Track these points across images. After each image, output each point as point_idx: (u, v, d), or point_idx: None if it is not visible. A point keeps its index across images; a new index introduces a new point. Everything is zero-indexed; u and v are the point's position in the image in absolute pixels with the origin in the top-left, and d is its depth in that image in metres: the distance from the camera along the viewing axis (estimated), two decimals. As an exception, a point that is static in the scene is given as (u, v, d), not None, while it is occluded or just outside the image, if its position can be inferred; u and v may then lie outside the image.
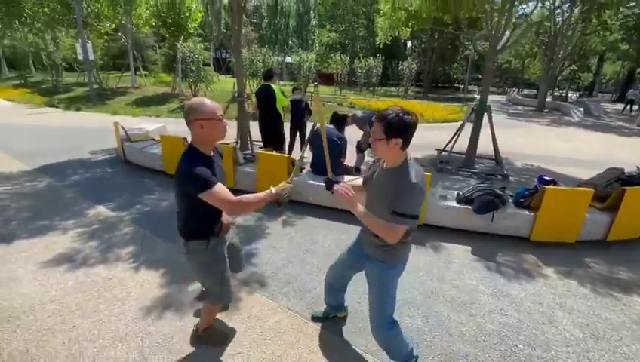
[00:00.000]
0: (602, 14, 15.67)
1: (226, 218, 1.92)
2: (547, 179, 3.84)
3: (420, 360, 2.04)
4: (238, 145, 6.06)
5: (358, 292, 2.58)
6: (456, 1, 6.29)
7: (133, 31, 18.12)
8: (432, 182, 3.84)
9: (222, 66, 30.18)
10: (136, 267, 2.95)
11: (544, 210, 3.48)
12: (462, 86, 32.62)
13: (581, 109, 17.51)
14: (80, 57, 14.34)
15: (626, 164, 4.58)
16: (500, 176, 5.89)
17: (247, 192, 1.80)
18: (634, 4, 15.26)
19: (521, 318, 2.51)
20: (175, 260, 3.04)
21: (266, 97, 5.14)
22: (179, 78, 16.64)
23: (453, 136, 6.36)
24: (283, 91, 5.34)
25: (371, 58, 22.23)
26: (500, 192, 3.66)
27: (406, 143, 1.53)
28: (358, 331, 2.30)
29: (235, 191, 1.74)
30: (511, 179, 5.87)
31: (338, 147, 4.38)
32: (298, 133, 6.17)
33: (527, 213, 3.62)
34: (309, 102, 6.57)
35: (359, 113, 5.49)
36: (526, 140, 9.95)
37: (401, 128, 1.49)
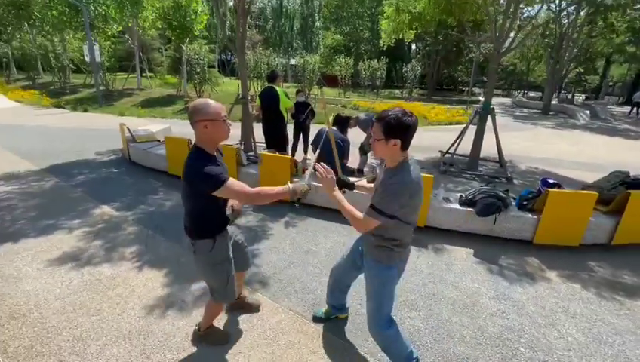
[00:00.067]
0: (609, 17, 15.59)
1: (236, 203, 1.95)
2: (551, 181, 3.83)
3: (420, 362, 2.04)
4: (242, 147, 6.11)
5: (359, 294, 2.58)
6: (459, 3, 6.30)
7: (140, 33, 18.37)
8: (434, 184, 3.84)
9: (227, 68, 30.42)
10: (140, 266, 2.98)
11: (547, 213, 3.46)
12: (466, 88, 32.51)
13: (587, 112, 17.36)
14: (87, 59, 14.57)
15: (632, 168, 4.54)
16: (503, 179, 5.86)
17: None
18: (641, 6, 15.13)
19: (523, 321, 2.50)
20: (178, 260, 3.07)
21: (269, 99, 5.18)
22: (184, 80, 16.81)
23: (457, 139, 6.34)
24: (287, 93, 5.38)
25: (375, 60, 22.27)
26: (503, 195, 3.65)
27: (405, 144, 1.53)
28: (358, 332, 2.31)
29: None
30: (515, 181, 5.85)
31: (341, 149, 4.39)
32: (301, 135, 6.21)
33: (530, 215, 3.60)
34: (313, 104, 6.60)
35: (362, 115, 5.51)
36: (531, 143, 9.89)
37: (400, 129, 1.49)
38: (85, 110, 13.07)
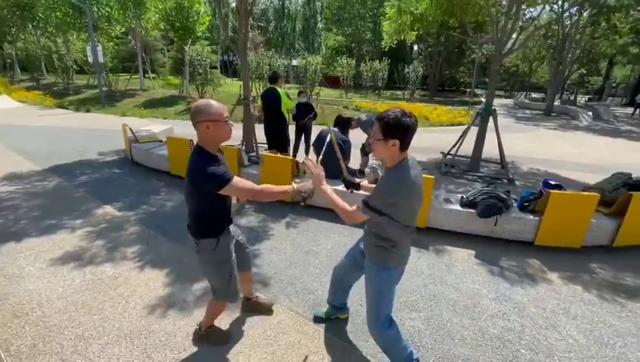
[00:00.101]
0: (612, 18, 15.54)
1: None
2: (552, 183, 3.82)
3: (421, 363, 2.04)
4: (243, 147, 6.13)
5: (359, 295, 2.57)
6: (461, 5, 6.30)
7: (143, 34, 18.45)
8: (435, 185, 3.84)
9: (229, 69, 30.51)
10: (142, 266, 2.99)
11: (549, 215, 3.45)
12: (468, 89, 32.49)
13: (590, 113, 17.29)
14: (90, 60, 14.65)
15: (635, 169, 4.52)
16: (505, 180, 5.85)
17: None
18: (644, 7, 15.07)
19: (523, 323, 2.49)
20: (179, 260, 3.09)
21: (271, 100, 5.19)
22: (186, 81, 16.87)
23: (459, 140, 6.34)
24: (288, 94, 5.39)
25: (377, 61, 22.27)
26: (504, 196, 3.64)
27: (404, 145, 1.54)
28: (359, 333, 2.31)
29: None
30: (517, 183, 5.83)
31: (342, 150, 4.40)
32: (303, 136, 6.22)
33: (531, 217, 3.59)
34: (315, 105, 6.62)
35: (363, 117, 5.52)
36: (533, 144, 9.86)
37: (399, 129, 1.50)
38: (88, 111, 13.14)
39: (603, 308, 2.71)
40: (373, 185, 1.96)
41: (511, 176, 5.91)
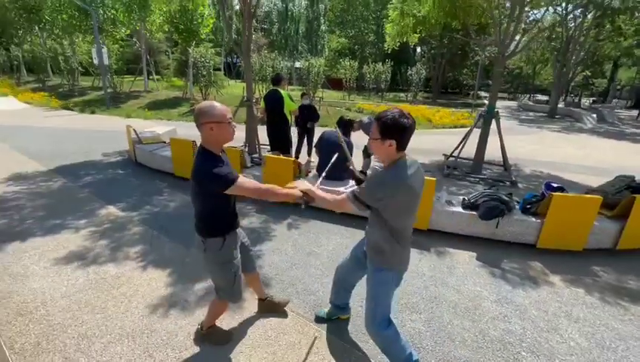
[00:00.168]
0: (616, 20, 15.43)
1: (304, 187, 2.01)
2: (554, 185, 3.81)
3: (421, 365, 2.04)
4: (246, 149, 6.16)
5: (360, 296, 2.58)
6: (464, 7, 6.31)
7: (147, 36, 18.62)
8: (437, 187, 3.84)
9: (232, 71, 30.66)
10: (144, 266, 3.02)
11: (551, 217, 3.44)
12: (472, 92, 32.45)
13: (594, 116, 17.20)
14: (96, 62, 14.79)
15: (639, 172, 4.50)
16: (508, 183, 5.84)
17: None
18: (649, 9, 14.96)
19: (525, 326, 2.49)
20: (182, 260, 3.11)
21: (274, 101, 5.22)
22: (190, 83, 16.98)
23: (461, 142, 6.33)
24: (291, 96, 5.42)
25: (380, 63, 22.30)
26: (506, 198, 3.64)
27: (401, 145, 1.56)
28: (360, 334, 2.31)
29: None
30: (519, 185, 5.81)
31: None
32: (306, 138, 6.24)
33: (533, 219, 3.58)
34: (318, 107, 6.64)
35: (365, 119, 5.52)
36: (536, 147, 9.83)
37: (396, 130, 1.52)
38: (93, 112, 13.26)
39: (605, 312, 2.70)
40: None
41: (514, 179, 5.89)
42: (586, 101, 28.62)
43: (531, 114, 20.60)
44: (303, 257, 3.28)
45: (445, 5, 6.38)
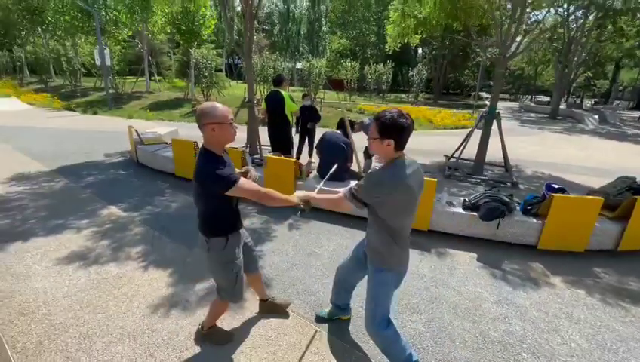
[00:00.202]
0: (618, 21, 15.43)
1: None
2: (555, 186, 3.80)
3: (421, 365, 2.04)
4: (247, 149, 6.17)
5: (361, 297, 2.59)
6: (465, 8, 6.31)
7: (149, 38, 18.69)
8: (438, 188, 3.84)
9: (234, 72, 30.72)
10: (146, 266, 3.03)
11: (552, 218, 3.43)
12: (473, 93, 32.44)
13: (596, 117, 17.16)
14: (98, 63, 14.86)
15: (640, 173, 4.48)
16: (509, 184, 5.83)
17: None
18: (651, 10, 14.94)
19: (525, 327, 2.48)
20: (183, 260, 3.12)
21: (275, 102, 5.24)
22: (192, 84, 17.04)
23: (462, 143, 6.33)
24: (292, 97, 5.43)
25: (381, 64, 22.32)
26: (506, 199, 3.63)
27: (399, 144, 1.58)
28: (360, 334, 2.32)
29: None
30: (520, 186, 5.80)
31: (344, 152, 4.42)
32: (307, 138, 6.25)
33: (534, 220, 3.58)
34: (319, 108, 6.66)
35: (366, 120, 5.52)
36: (538, 148, 9.81)
37: (394, 129, 1.54)
38: (95, 113, 13.32)
39: (606, 313, 2.69)
40: None
41: (515, 180, 5.88)
42: (587, 102, 28.54)
43: (533, 115, 20.56)
44: (304, 258, 3.29)
45: (446, 6, 6.39)
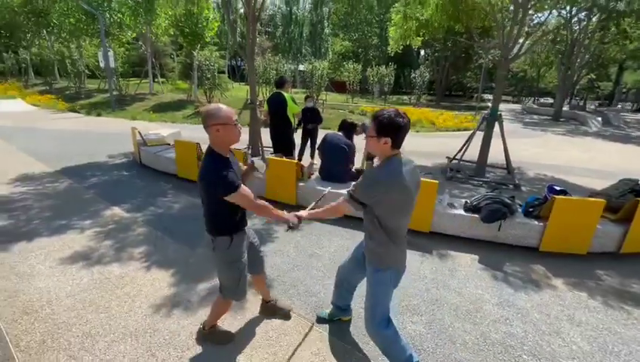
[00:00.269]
0: (621, 23, 15.38)
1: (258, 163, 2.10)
2: (557, 188, 3.80)
3: (421, 366, 2.04)
4: (249, 151, 6.20)
5: (361, 297, 2.59)
6: (467, 10, 6.32)
7: (153, 40, 18.82)
8: (440, 190, 3.84)
9: (236, 74, 30.85)
10: (148, 266, 3.05)
11: (554, 220, 3.43)
12: (475, 94, 32.38)
13: (599, 119, 17.09)
14: (102, 65, 14.98)
15: (643, 176, 4.46)
16: (511, 186, 5.82)
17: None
18: (655, 12, 14.87)
19: (526, 329, 2.48)
20: (186, 261, 3.14)
21: (277, 104, 5.26)
22: (195, 85, 17.13)
23: (464, 145, 6.33)
24: (294, 99, 5.45)
25: (384, 66, 22.34)
26: (508, 201, 3.63)
27: (396, 143, 1.61)
28: (361, 335, 2.32)
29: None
30: (523, 188, 5.79)
31: (346, 154, 4.43)
32: (309, 140, 6.27)
33: (536, 222, 3.57)
34: (321, 110, 6.68)
35: (368, 122, 5.55)
36: (540, 150, 9.78)
37: (391, 128, 1.57)
38: (99, 114, 13.42)
39: (608, 316, 2.68)
40: None
41: (517, 182, 5.87)
42: (591, 104, 28.43)
43: (535, 117, 20.50)
44: (305, 259, 3.30)
45: (448, 9, 6.41)
